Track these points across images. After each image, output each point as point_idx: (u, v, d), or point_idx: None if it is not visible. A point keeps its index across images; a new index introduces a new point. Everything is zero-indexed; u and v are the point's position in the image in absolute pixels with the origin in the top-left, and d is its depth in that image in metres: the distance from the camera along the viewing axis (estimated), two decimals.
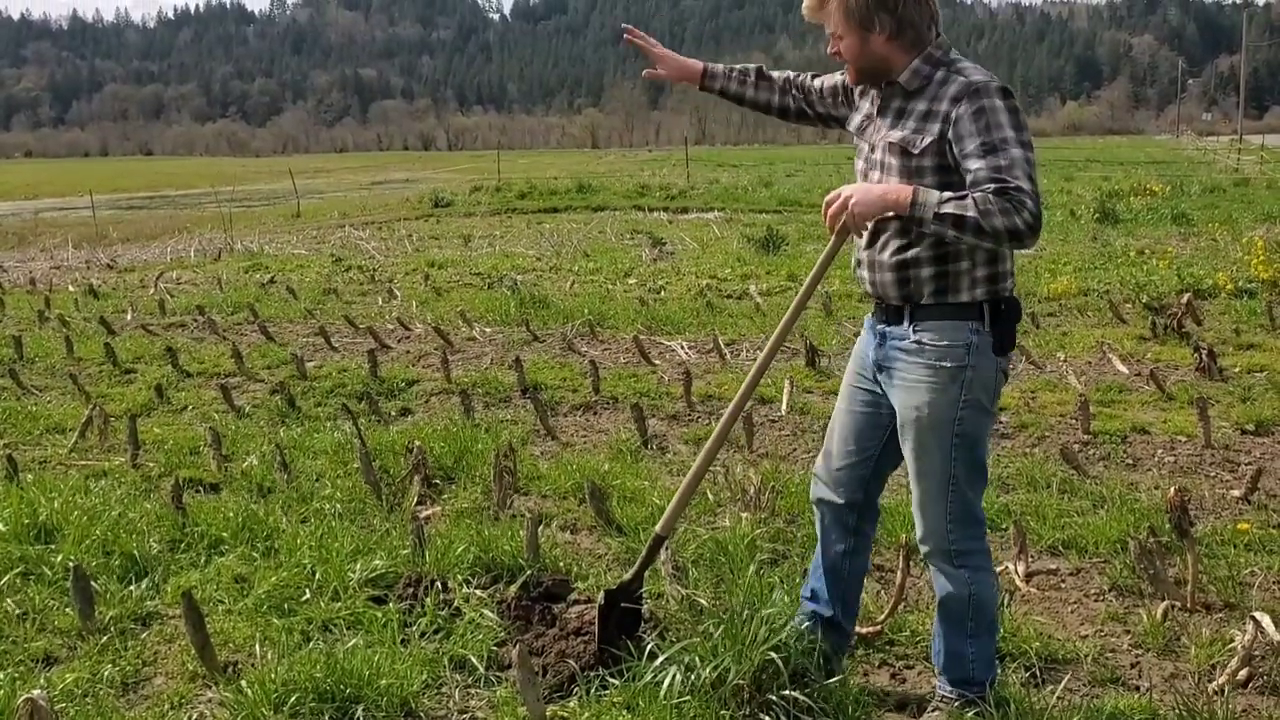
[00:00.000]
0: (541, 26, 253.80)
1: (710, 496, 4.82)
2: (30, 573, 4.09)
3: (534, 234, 18.46)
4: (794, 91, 3.31)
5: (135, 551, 4.22)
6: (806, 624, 3.15)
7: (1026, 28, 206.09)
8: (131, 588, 4.00)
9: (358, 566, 4.00)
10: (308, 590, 3.89)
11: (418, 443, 5.29)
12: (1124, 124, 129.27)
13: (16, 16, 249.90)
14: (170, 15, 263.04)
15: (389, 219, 23.46)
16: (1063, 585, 3.95)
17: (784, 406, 6.33)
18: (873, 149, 2.94)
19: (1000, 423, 5.96)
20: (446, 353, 7.93)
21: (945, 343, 2.82)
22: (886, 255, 2.88)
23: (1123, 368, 7.00)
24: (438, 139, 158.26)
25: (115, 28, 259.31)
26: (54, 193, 42.23)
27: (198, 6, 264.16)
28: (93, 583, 3.83)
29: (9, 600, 3.86)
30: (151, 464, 5.62)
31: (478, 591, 3.83)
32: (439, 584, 3.87)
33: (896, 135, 2.83)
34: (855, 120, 3.09)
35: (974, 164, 2.65)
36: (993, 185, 2.59)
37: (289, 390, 6.88)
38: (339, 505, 4.82)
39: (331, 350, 8.65)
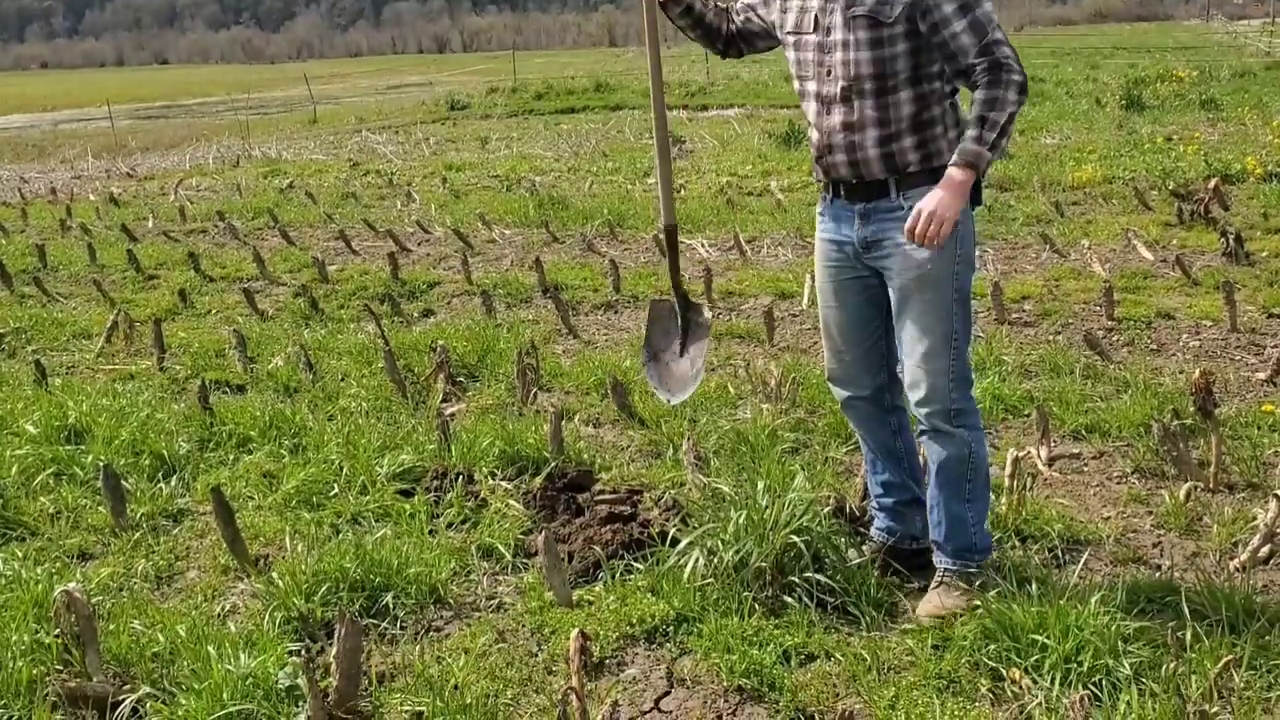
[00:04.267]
0: None
1: (731, 390, 4.83)
2: (62, 473, 4.16)
3: (551, 135, 18.25)
4: (728, 23, 3.24)
5: (164, 451, 4.28)
6: (890, 524, 3.23)
7: None
8: (161, 486, 4.07)
9: (385, 461, 4.05)
10: (336, 485, 3.95)
11: (441, 342, 5.31)
12: (1152, 10, 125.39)
13: None
14: None
15: (405, 123, 23.24)
16: (1085, 469, 3.96)
17: (804, 300, 6.30)
18: (827, 31, 2.90)
19: (1023, 310, 5.91)
20: (466, 255, 7.91)
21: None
22: (868, 137, 2.90)
23: (1148, 254, 6.91)
24: (452, 41, 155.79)
25: None
26: (71, 104, 42.04)
27: None
28: (123, 481, 3.90)
29: (43, 499, 3.94)
30: (178, 367, 5.67)
31: (504, 483, 3.87)
32: (465, 476, 3.92)
33: (860, 9, 2.82)
34: (789, 19, 3.03)
35: (956, 25, 2.74)
36: (982, 61, 2.72)
37: (311, 293, 6.90)
38: (365, 404, 4.87)
39: (352, 254, 8.65)
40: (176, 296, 7.15)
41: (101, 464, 3.82)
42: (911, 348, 2.96)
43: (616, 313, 6.59)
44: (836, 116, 2.92)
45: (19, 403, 4.92)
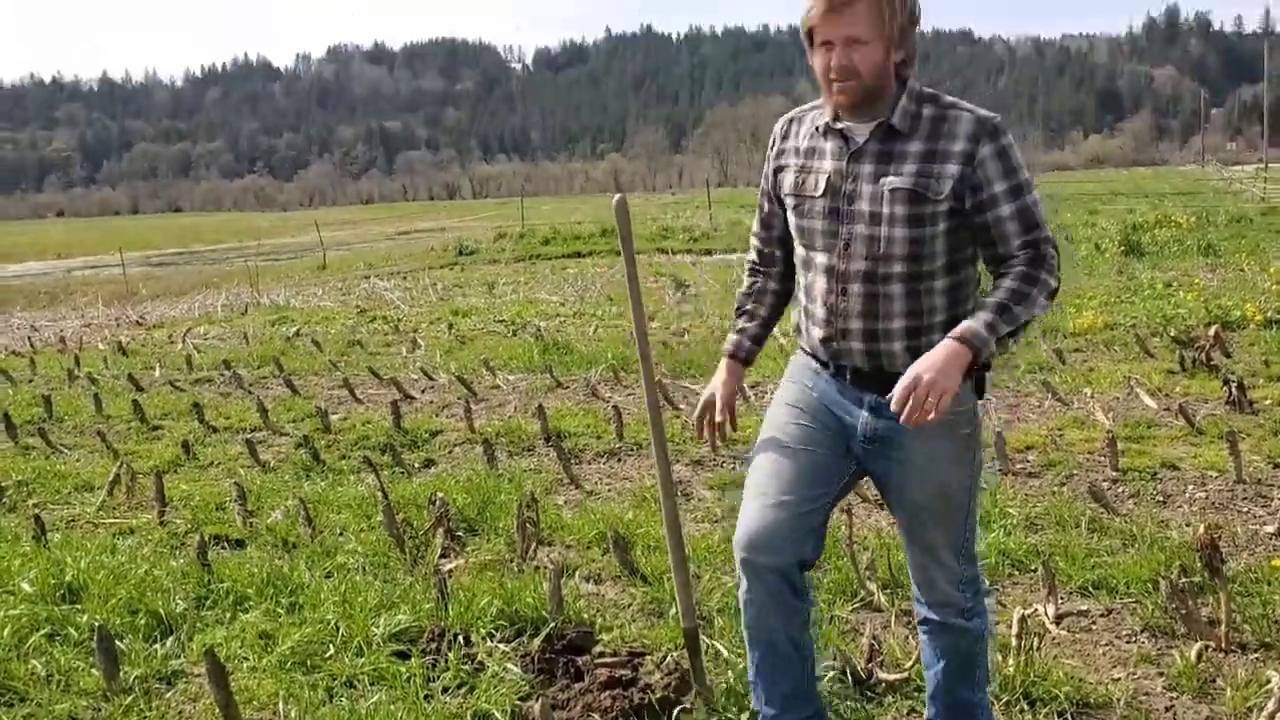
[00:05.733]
0: (563, 75, 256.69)
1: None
2: (56, 633, 4.10)
3: (558, 279, 18.56)
4: (779, 264, 2.92)
5: (161, 609, 4.22)
6: None
7: (1047, 62, 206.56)
8: (157, 646, 4.00)
9: (381, 621, 3.98)
10: (332, 646, 3.88)
11: (440, 495, 5.29)
12: (1148, 156, 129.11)
13: (49, 79, 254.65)
14: (198, 74, 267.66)
15: (414, 268, 23.66)
16: (1094, 627, 3.89)
17: None
18: (849, 199, 2.57)
19: (1026, 461, 5.90)
20: (470, 402, 7.94)
21: (960, 407, 2.55)
22: (895, 328, 2.58)
23: (1151, 403, 6.93)
24: (462, 188, 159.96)
25: (144, 88, 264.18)
26: (85, 251, 42.93)
27: (225, 64, 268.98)
28: (118, 642, 3.83)
29: (35, 661, 3.87)
30: (178, 520, 5.64)
31: (501, 645, 3.81)
32: (462, 638, 3.85)
33: (902, 181, 2.50)
34: (786, 180, 2.73)
35: (1004, 208, 2.49)
36: (1025, 253, 2.49)
37: (313, 444, 6.91)
38: (363, 559, 4.82)
39: (356, 402, 8.69)
40: (180, 448, 7.16)
41: (96, 625, 3.76)
42: (921, 554, 2.75)
43: (620, 460, 6.58)
44: (855, 300, 2.58)
45: (16, 559, 4.88)
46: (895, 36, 2.48)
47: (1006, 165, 2.49)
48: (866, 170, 2.55)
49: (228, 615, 4.30)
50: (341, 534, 5.25)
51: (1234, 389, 6.72)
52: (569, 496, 5.90)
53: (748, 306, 2.98)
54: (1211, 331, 8.30)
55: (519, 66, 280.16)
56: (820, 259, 2.64)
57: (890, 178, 2.52)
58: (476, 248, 28.07)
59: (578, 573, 4.66)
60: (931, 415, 2.35)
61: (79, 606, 4.32)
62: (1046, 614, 3.86)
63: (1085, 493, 5.14)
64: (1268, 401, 6.85)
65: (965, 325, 2.42)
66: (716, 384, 2.96)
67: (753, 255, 3.00)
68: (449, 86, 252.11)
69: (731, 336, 2.99)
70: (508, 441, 7.04)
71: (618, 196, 3.18)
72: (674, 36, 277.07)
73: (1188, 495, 5.25)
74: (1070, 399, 7.28)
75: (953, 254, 2.56)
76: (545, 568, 4.45)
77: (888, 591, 4.16)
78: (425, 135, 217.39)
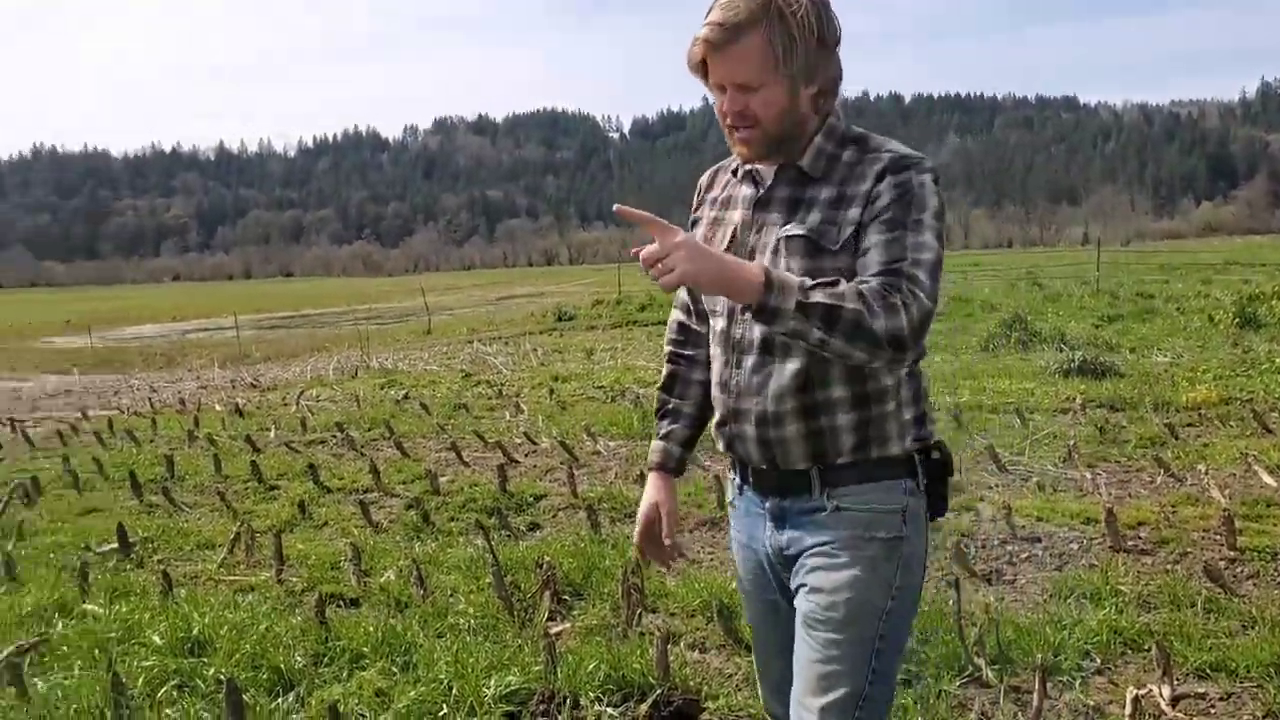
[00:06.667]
0: (660, 143, 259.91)
1: None
2: (185, 684, 4.29)
3: (655, 346, 18.70)
4: (704, 344, 2.45)
5: (282, 665, 4.39)
6: None
7: (1155, 128, 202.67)
8: (279, 700, 4.15)
9: (492, 682, 4.08)
10: (445, 705, 3.99)
11: (547, 559, 5.40)
12: (1264, 223, 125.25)
13: (168, 149, 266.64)
14: (310, 144, 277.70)
15: (515, 333, 24.10)
16: (1212, 710, 3.80)
17: None
18: (751, 253, 2.15)
19: (1139, 537, 5.78)
20: (572, 467, 8.07)
21: (875, 508, 2.14)
22: (786, 403, 2.13)
23: (1270, 480, 6.74)
24: (560, 254, 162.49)
25: (259, 158, 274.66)
26: (200, 315, 44.63)
27: (335, 136, 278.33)
28: (243, 696, 3.99)
29: (167, 710, 4.05)
30: (295, 579, 5.84)
31: (609, 709, 3.87)
32: (571, 701, 3.93)
33: (800, 228, 2.09)
34: (698, 232, 2.33)
35: (872, 237, 2.01)
36: (880, 277, 1.96)
37: (423, 505, 7.10)
38: (473, 620, 4.94)
39: (463, 465, 8.89)
40: (296, 508, 7.42)
41: (224, 678, 3.93)
42: (807, 694, 2.11)
43: (720, 530, 6.61)
44: (747, 374, 2.17)
45: (146, 613, 5.11)
46: (801, 71, 2.07)
47: (904, 200, 2.03)
48: (773, 219, 2.15)
49: (345, 672, 4.44)
50: (452, 595, 5.38)
51: None
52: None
53: (670, 405, 2.50)
54: None
55: (616, 135, 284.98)
56: (719, 324, 2.26)
57: (791, 225, 2.11)
58: (575, 313, 28.49)
59: (683, 640, 4.70)
60: (659, 271, 1.92)
61: (205, 660, 4.50)
62: (1162, 695, 3.78)
63: (1200, 571, 5.03)
64: None
65: (780, 273, 1.95)
66: (650, 502, 2.45)
67: (672, 334, 2.56)
68: (549, 155, 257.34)
69: (656, 444, 2.49)
70: (609, 507, 7.13)
71: None
72: None
73: None
74: (1184, 475, 7.11)
75: None
76: (651, 634, 4.51)
77: (996, 667, 4.12)
78: (525, 203, 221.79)
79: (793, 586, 2.21)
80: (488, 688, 4.05)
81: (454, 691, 4.07)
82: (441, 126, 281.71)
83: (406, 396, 13.64)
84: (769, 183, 2.19)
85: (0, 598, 5.66)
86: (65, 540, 6.97)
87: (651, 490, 2.45)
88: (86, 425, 12.72)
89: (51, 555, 6.57)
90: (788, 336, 1.96)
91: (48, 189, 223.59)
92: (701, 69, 2.12)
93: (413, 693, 4.05)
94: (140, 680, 4.25)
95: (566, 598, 5.32)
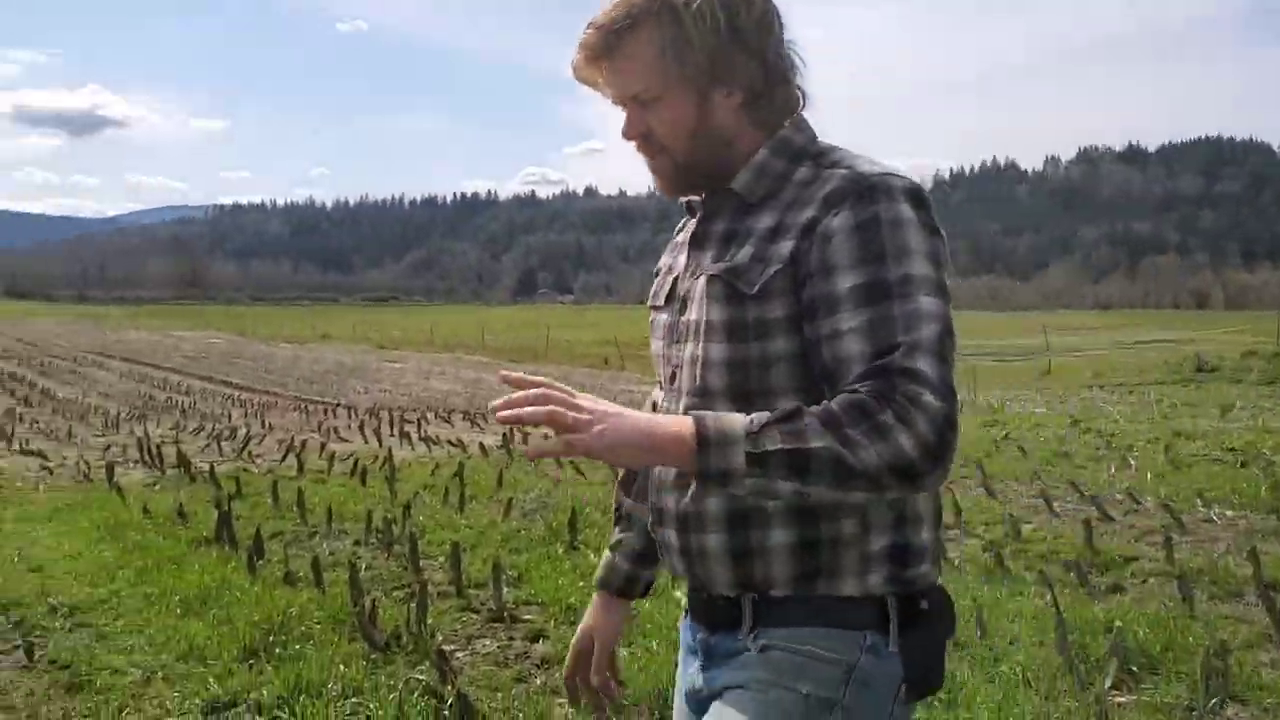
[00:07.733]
0: None
1: None
2: None
3: None
4: None
5: None
6: None
7: None
8: None
9: None
10: None
11: (1119, 624, 5.11)
12: None
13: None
14: (945, 176, 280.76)
15: (1141, 382, 22.56)
16: None
17: None
18: (683, 307, 1.66)
19: None
20: (1173, 533, 7.46)
21: (813, 651, 1.53)
22: (709, 515, 1.58)
23: None
24: (1213, 297, 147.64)
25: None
26: None
27: (971, 168, 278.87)
28: None
29: None
30: None
31: None
32: None
33: (717, 267, 1.59)
34: (651, 289, 1.82)
35: (841, 320, 1.45)
36: (866, 382, 1.40)
37: (999, 549, 7.01)
38: (1026, 672, 4.83)
39: (1051, 514, 8.60)
40: None
41: None
42: None
43: None
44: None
45: None
46: (709, 73, 1.57)
47: (869, 248, 1.45)
48: (706, 261, 1.63)
49: None
50: (1011, 643, 5.30)
51: None
52: (1276, 656, 5.31)
53: (624, 507, 1.94)
54: None
55: None
56: (658, 394, 1.78)
57: (716, 264, 1.61)
58: (1218, 365, 25.82)
59: None
60: (509, 414, 1.36)
61: None
62: None
63: None
64: None
65: (717, 414, 1.42)
66: (583, 628, 1.93)
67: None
68: (1208, 187, 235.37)
69: (605, 556, 1.95)
70: (1209, 581, 6.50)
71: None
72: None
73: None
74: None
75: (809, 394, 1.48)
76: None
77: None
78: (1175, 239, 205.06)
79: None
80: None
81: None
82: (1086, 156, 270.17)
83: (1006, 437, 13.43)
84: (700, 218, 1.70)
85: None
86: None
87: (589, 614, 1.93)
88: None
89: None
90: (755, 498, 1.44)
91: None
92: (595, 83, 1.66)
93: None
94: None
95: (1136, 669, 4.99)
